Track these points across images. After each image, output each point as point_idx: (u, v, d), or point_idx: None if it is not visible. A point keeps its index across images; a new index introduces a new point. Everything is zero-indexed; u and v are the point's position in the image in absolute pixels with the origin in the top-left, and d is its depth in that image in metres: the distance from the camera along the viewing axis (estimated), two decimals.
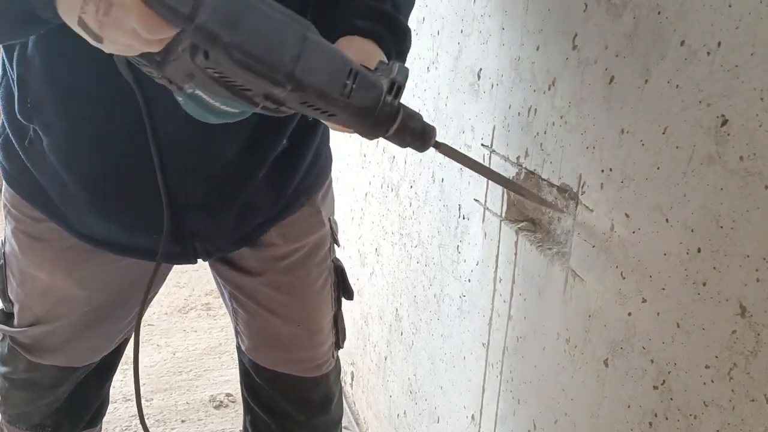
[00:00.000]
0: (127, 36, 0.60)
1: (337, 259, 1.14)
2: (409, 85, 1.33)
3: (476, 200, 1.08)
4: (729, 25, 0.57)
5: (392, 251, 1.54)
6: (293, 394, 1.12)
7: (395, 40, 0.83)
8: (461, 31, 1.10)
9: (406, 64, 0.79)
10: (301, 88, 0.65)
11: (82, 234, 0.94)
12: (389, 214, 1.54)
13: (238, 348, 1.15)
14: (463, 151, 1.11)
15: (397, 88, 0.70)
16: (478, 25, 1.04)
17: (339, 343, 1.16)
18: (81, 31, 0.62)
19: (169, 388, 2.08)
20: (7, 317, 1.04)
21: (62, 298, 1.00)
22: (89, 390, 1.12)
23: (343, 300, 1.17)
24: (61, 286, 0.98)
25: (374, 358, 1.74)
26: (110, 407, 1.96)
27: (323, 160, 1.07)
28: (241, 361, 1.15)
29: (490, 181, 1.03)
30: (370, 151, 1.66)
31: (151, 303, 2.55)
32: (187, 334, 2.37)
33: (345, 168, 1.87)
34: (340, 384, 1.21)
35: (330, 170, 1.11)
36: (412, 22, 1.31)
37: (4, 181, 0.98)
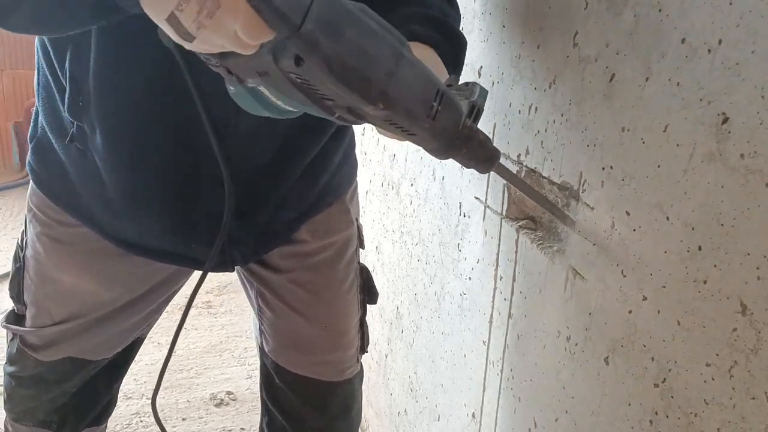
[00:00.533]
0: (225, 38, 0.58)
1: (362, 262, 1.13)
2: None
3: (477, 198, 1.08)
4: (730, 23, 0.57)
5: (393, 249, 1.54)
6: (314, 398, 1.09)
7: (452, 50, 0.81)
8: (462, 29, 1.10)
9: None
10: (390, 107, 0.62)
11: (116, 238, 0.95)
12: (390, 212, 1.54)
13: (261, 349, 1.13)
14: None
15: (477, 111, 0.69)
16: (479, 23, 1.04)
17: (364, 347, 1.14)
18: (167, 26, 0.59)
19: (170, 386, 2.08)
20: (18, 318, 1.04)
21: (84, 300, 1.00)
22: (98, 387, 1.11)
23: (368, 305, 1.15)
24: (85, 288, 0.98)
25: (375, 356, 1.74)
26: None
27: (351, 161, 1.08)
28: (263, 362, 1.13)
29: (490, 180, 1.03)
30: (371, 149, 1.66)
31: None
32: (188, 332, 2.37)
33: None
34: (361, 390, 1.18)
35: (356, 173, 1.11)
36: None
37: (31, 184, 0.98)
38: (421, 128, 0.65)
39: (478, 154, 0.70)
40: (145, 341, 2.29)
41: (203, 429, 1.94)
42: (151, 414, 1.95)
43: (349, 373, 1.11)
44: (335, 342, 1.08)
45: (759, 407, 0.57)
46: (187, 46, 0.61)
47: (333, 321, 1.07)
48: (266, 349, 1.11)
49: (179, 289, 1.11)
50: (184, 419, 1.97)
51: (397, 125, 0.65)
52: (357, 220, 1.11)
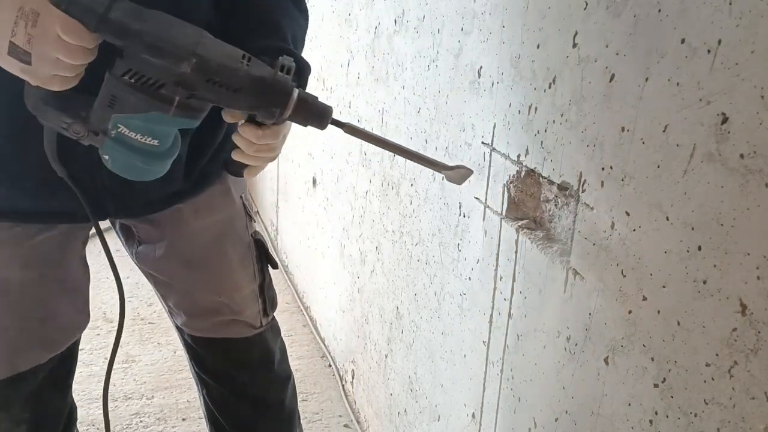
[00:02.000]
0: (53, 46, 0.70)
1: (257, 233, 1.18)
2: (410, 83, 1.33)
3: (477, 198, 1.08)
4: (729, 23, 0.57)
5: (393, 249, 1.54)
6: (232, 355, 1.18)
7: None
8: (462, 29, 1.10)
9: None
10: (203, 61, 0.75)
11: None
12: (390, 213, 1.54)
13: (176, 327, 1.20)
14: (464, 149, 1.11)
15: (287, 69, 0.80)
16: (479, 23, 1.04)
17: (267, 310, 1.20)
18: (11, 60, 0.71)
19: (169, 386, 2.08)
20: None
21: None
22: (53, 400, 1.08)
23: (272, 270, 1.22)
24: None
25: (375, 356, 1.74)
26: (111, 405, 1.97)
27: (231, 144, 1.10)
28: (182, 339, 1.20)
29: (490, 180, 1.04)
30: (371, 149, 1.66)
31: (151, 303, 2.53)
32: None
33: (346, 166, 1.87)
34: (282, 343, 1.26)
35: None
36: (413, 21, 1.31)
37: None
38: (238, 78, 0.77)
39: (309, 109, 0.81)
40: (145, 341, 2.29)
41: (203, 429, 1.94)
42: (151, 414, 1.96)
43: (258, 328, 1.19)
44: (233, 307, 1.15)
45: (759, 407, 0.57)
46: (30, 71, 0.72)
47: (226, 292, 1.13)
48: (179, 324, 1.18)
49: (80, 273, 1.07)
50: (183, 419, 1.97)
51: (219, 83, 0.76)
52: (242, 197, 1.15)
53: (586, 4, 0.77)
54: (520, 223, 0.95)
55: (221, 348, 1.17)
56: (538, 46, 0.88)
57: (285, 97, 0.79)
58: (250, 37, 0.91)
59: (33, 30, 0.70)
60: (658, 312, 0.68)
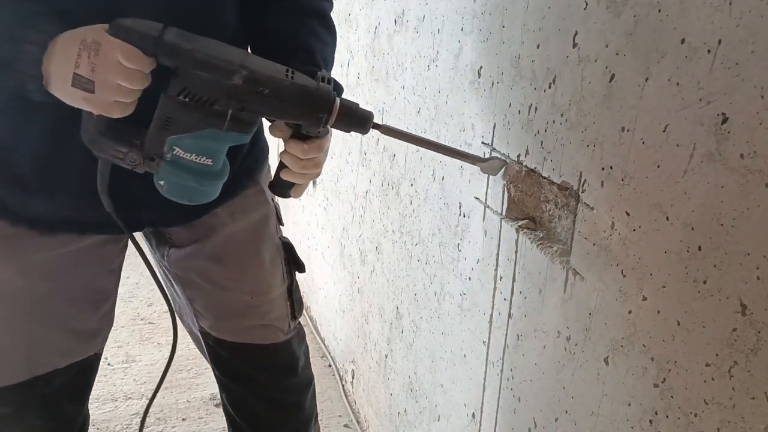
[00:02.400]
0: (114, 72, 0.75)
1: (285, 237, 1.19)
2: (410, 83, 1.33)
3: (477, 198, 1.08)
4: (729, 23, 0.57)
5: (393, 249, 1.54)
6: (257, 360, 1.17)
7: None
8: (462, 29, 1.10)
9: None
10: (252, 73, 0.79)
11: (26, 218, 0.92)
12: (390, 213, 1.54)
13: (201, 331, 1.18)
14: (464, 148, 1.11)
15: (327, 80, 0.85)
16: (479, 23, 1.04)
17: (295, 313, 1.20)
18: (75, 91, 0.76)
19: (169, 386, 2.08)
20: None
21: (2, 298, 0.95)
22: (66, 410, 1.07)
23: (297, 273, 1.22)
24: (3, 280, 0.94)
25: (375, 356, 1.74)
26: (111, 405, 1.98)
27: (261, 143, 1.13)
28: (207, 343, 1.19)
29: (490, 179, 1.03)
30: (371, 149, 1.66)
31: (151, 303, 2.53)
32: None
33: (346, 166, 1.87)
34: (306, 348, 1.26)
35: (267, 155, 1.17)
36: (413, 21, 1.31)
37: None
38: (285, 88, 0.81)
39: (351, 116, 0.86)
40: (145, 341, 2.29)
41: (203, 429, 1.94)
42: (151, 414, 1.95)
43: (284, 335, 1.18)
44: (263, 309, 1.14)
45: (759, 407, 0.57)
46: (92, 99, 0.76)
47: (258, 292, 1.13)
48: (206, 328, 1.16)
49: (108, 284, 1.07)
50: (184, 419, 1.97)
51: (267, 93, 0.81)
52: (273, 199, 1.16)
53: (586, 4, 0.77)
54: (520, 223, 0.95)
55: (247, 353, 1.16)
56: (538, 46, 0.88)
57: (329, 103, 0.84)
58: (281, 59, 0.94)
59: (96, 59, 0.75)
60: (658, 312, 0.68)
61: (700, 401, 0.64)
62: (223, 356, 1.18)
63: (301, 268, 1.21)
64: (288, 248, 1.18)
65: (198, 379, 2.13)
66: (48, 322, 0.99)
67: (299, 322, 1.23)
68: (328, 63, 1.01)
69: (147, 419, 1.94)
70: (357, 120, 0.87)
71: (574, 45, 0.80)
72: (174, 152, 0.83)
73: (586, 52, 0.78)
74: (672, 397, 0.67)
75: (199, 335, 1.19)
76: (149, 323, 2.37)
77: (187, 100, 0.80)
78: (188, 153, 0.83)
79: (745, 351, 0.58)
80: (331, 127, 0.86)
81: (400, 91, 1.40)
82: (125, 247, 1.07)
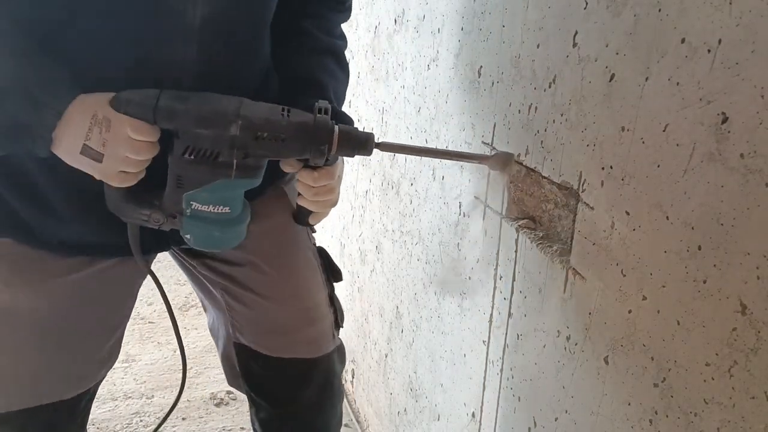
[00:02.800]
0: (124, 146, 0.80)
1: (319, 245, 1.17)
2: (410, 82, 1.33)
3: (477, 198, 1.08)
4: (730, 23, 0.57)
5: (393, 249, 1.54)
6: (295, 377, 1.13)
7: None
8: (462, 29, 1.10)
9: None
10: (248, 120, 0.82)
11: (49, 243, 0.92)
12: (390, 212, 1.54)
13: (236, 343, 1.14)
14: (464, 148, 1.11)
15: (324, 110, 0.87)
16: (479, 23, 1.04)
17: (338, 321, 1.17)
18: (82, 158, 0.80)
19: (170, 385, 2.08)
20: None
21: (20, 322, 0.94)
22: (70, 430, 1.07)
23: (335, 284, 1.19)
24: (23, 304, 0.93)
25: (375, 356, 1.74)
26: (111, 405, 1.98)
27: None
28: (240, 356, 1.15)
29: (490, 179, 1.03)
30: None
31: (151, 302, 2.55)
32: (188, 332, 2.37)
33: (346, 166, 1.87)
34: (344, 361, 1.22)
35: None
36: (413, 20, 1.31)
37: None
38: (282, 128, 0.83)
39: (352, 142, 0.88)
40: (145, 341, 2.29)
41: (203, 428, 1.94)
42: (151, 413, 1.96)
43: (325, 348, 1.14)
44: (308, 319, 1.11)
45: (759, 407, 0.57)
46: (99, 168, 0.81)
47: (301, 296, 1.11)
48: (244, 342, 1.13)
49: (125, 307, 1.07)
50: (184, 419, 1.97)
51: (266, 137, 0.83)
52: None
53: (586, 3, 0.77)
54: (520, 222, 0.95)
55: (284, 368, 1.12)
56: (538, 46, 0.88)
57: (328, 134, 0.86)
58: (295, 95, 0.98)
59: (107, 134, 0.79)
60: (658, 311, 0.68)
61: (700, 401, 0.64)
62: (258, 372, 1.14)
63: (338, 276, 1.19)
64: (323, 255, 1.17)
65: (198, 379, 2.13)
66: (61, 349, 0.98)
67: (341, 340, 1.20)
68: (340, 99, 1.05)
69: (147, 419, 1.94)
70: (358, 144, 0.88)
71: (575, 44, 0.80)
72: (192, 207, 0.87)
73: (586, 52, 0.78)
74: (672, 396, 0.67)
75: (233, 352, 1.16)
76: (149, 323, 2.38)
77: (192, 157, 0.83)
78: (206, 205, 0.87)
79: (745, 350, 0.58)
80: (336, 154, 0.88)
81: (400, 90, 1.40)
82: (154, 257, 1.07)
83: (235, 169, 0.84)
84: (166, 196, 0.87)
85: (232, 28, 0.89)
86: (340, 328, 1.19)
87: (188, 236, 0.89)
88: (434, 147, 0.96)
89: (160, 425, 1.11)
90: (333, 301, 1.16)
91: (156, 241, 0.99)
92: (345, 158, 1.01)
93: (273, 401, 1.15)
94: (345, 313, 1.20)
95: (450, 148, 1.04)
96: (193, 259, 1.10)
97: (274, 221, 1.08)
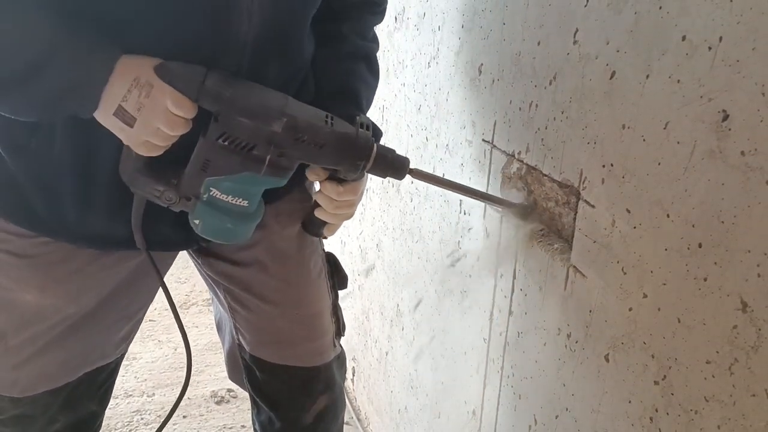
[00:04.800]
0: (159, 117, 0.77)
1: (328, 251, 1.16)
2: (410, 80, 1.33)
3: None
4: (730, 20, 0.57)
5: (393, 247, 1.54)
6: (295, 384, 1.12)
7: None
8: (462, 27, 1.10)
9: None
10: (292, 119, 0.80)
11: (76, 236, 0.92)
12: (390, 210, 1.54)
13: (239, 346, 1.14)
14: (464, 146, 1.11)
15: (366, 125, 0.87)
16: (479, 21, 1.04)
17: (340, 331, 1.17)
18: (114, 120, 0.77)
19: (170, 383, 2.08)
20: None
21: (46, 319, 0.96)
22: (90, 407, 1.08)
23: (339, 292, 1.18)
24: (49, 302, 0.94)
25: (375, 354, 1.74)
26: (111, 403, 1.97)
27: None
28: (242, 357, 1.15)
29: (490, 177, 1.03)
30: None
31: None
32: (189, 330, 2.36)
33: None
34: (345, 370, 1.21)
35: None
36: (413, 18, 1.30)
37: None
38: (324, 135, 0.82)
39: (388, 163, 0.87)
40: (146, 339, 2.29)
41: (204, 426, 1.95)
42: (152, 412, 1.96)
43: (327, 356, 1.13)
44: (311, 329, 1.10)
45: (759, 404, 0.57)
46: (127, 133, 0.78)
47: (305, 306, 1.09)
48: (245, 345, 1.13)
49: (148, 297, 1.08)
50: (185, 417, 1.97)
51: (306, 141, 0.82)
52: None
53: (587, 1, 0.77)
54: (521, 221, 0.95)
55: (285, 375, 1.11)
56: (538, 43, 0.88)
57: (368, 150, 0.85)
58: (327, 104, 0.95)
59: (145, 100, 0.76)
60: (659, 309, 0.68)
61: (701, 398, 0.64)
62: (259, 376, 1.13)
63: (344, 284, 1.18)
64: (332, 261, 1.15)
65: (199, 377, 2.13)
66: (87, 337, 1.00)
67: (342, 348, 1.19)
68: (369, 105, 1.04)
69: (148, 417, 1.94)
70: (393, 167, 0.88)
71: (575, 42, 0.80)
72: (211, 193, 0.84)
73: (586, 50, 0.77)
74: (672, 394, 0.67)
75: (236, 350, 1.16)
76: (150, 321, 2.38)
77: (226, 144, 0.80)
78: (225, 194, 0.84)
79: (745, 348, 0.58)
80: (367, 172, 0.87)
81: (400, 88, 1.40)
82: (175, 256, 1.07)
83: (267, 165, 0.82)
84: (185, 177, 0.84)
85: (284, 31, 0.88)
86: (342, 336, 1.18)
87: (197, 221, 0.87)
88: (465, 185, 0.95)
89: (163, 424, 1.10)
90: (336, 310, 1.15)
91: (178, 238, 0.98)
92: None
93: (274, 406, 1.14)
94: (345, 312, 1.19)
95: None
96: (198, 256, 1.10)
97: (296, 225, 1.07)
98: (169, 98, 0.77)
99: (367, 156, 0.85)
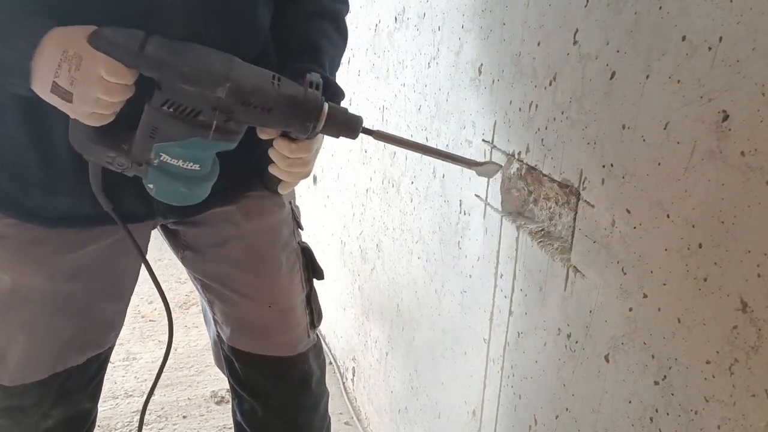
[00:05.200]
0: (95, 87, 0.75)
1: (303, 242, 1.17)
2: (411, 80, 1.33)
3: (477, 196, 1.08)
4: (730, 20, 0.57)
5: (393, 247, 1.54)
6: (273, 374, 1.15)
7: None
8: (462, 27, 1.10)
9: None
10: (237, 84, 0.78)
11: (43, 216, 0.92)
12: (390, 210, 1.54)
13: (218, 337, 1.17)
14: (464, 146, 1.11)
15: (315, 85, 0.84)
16: (479, 21, 1.04)
17: (314, 322, 1.18)
18: (53, 97, 0.76)
19: (170, 383, 2.08)
20: None
21: (25, 300, 0.96)
22: (82, 401, 1.08)
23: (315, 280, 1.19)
24: (27, 283, 0.95)
25: (375, 354, 1.74)
26: (112, 403, 1.98)
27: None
28: (222, 349, 1.18)
29: (489, 178, 1.03)
30: (371, 147, 1.66)
31: (152, 300, 2.54)
32: (189, 330, 2.37)
33: (346, 164, 1.87)
34: (323, 361, 1.23)
35: None
36: (413, 18, 1.30)
37: None
38: (272, 99, 0.80)
39: (339, 123, 0.85)
40: (146, 339, 2.29)
41: (204, 426, 1.95)
42: (152, 412, 1.96)
43: (302, 347, 1.15)
44: (282, 322, 1.12)
45: (759, 404, 0.57)
46: (70, 107, 0.77)
47: (277, 300, 1.10)
48: (223, 337, 1.15)
49: (130, 279, 1.08)
50: (184, 417, 1.97)
51: (254, 105, 0.80)
52: (291, 202, 1.14)
53: (587, 1, 0.77)
54: (521, 220, 0.95)
55: (261, 364, 1.14)
56: (538, 44, 0.88)
57: (317, 111, 0.83)
58: (289, 59, 0.94)
59: (76, 73, 0.74)
60: (659, 309, 0.68)
61: (701, 399, 0.64)
62: (238, 366, 1.16)
63: (320, 275, 1.18)
64: (306, 253, 1.16)
65: (199, 377, 2.13)
66: (69, 318, 1.00)
67: (317, 335, 1.20)
68: (335, 66, 1.01)
69: (148, 417, 1.94)
70: (346, 126, 0.85)
71: (575, 42, 0.80)
72: (161, 158, 0.83)
73: (586, 50, 0.77)
74: (672, 394, 0.67)
75: (217, 340, 1.18)
76: (150, 321, 2.38)
77: (171, 110, 0.79)
78: (175, 159, 0.83)
79: (745, 348, 0.58)
80: (320, 133, 0.85)
81: (400, 88, 1.40)
82: (148, 237, 1.06)
83: (214, 130, 0.81)
84: (135, 143, 0.82)
85: (223, 2, 0.86)
86: (316, 327, 1.20)
87: (151, 186, 0.85)
88: (428, 144, 0.93)
89: (149, 396, 1.10)
90: (310, 301, 1.17)
91: (140, 211, 0.97)
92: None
93: (254, 395, 1.17)
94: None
95: (441, 148, 1.01)
96: (177, 251, 1.11)
97: (267, 220, 1.08)
98: (102, 67, 0.74)
99: (317, 117, 0.83)
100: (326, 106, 0.83)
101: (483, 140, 1.05)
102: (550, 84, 0.85)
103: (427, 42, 1.24)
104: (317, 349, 1.20)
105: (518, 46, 0.93)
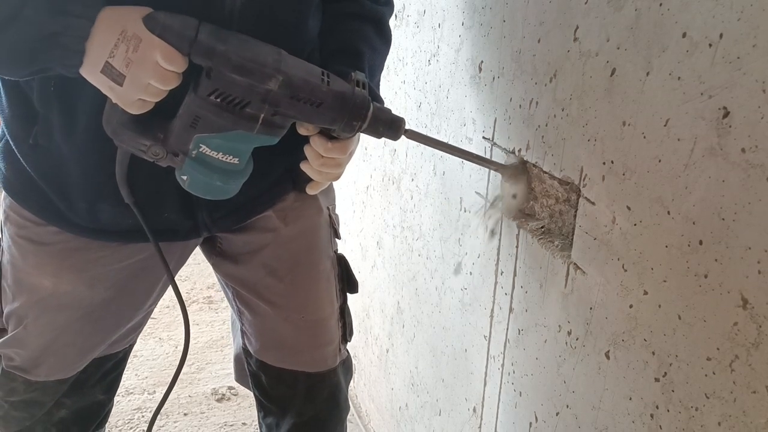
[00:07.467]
0: (150, 72, 0.73)
1: (340, 253, 1.14)
2: (411, 78, 1.33)
3: (478, 193, 1.08)
4: (731, 17, 0.57)
5: (394, 244, 1.54)
6: (301, 389, 1.11)
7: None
8: (462, 24, 1.10)
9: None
10: (288, 77, 0.77)
11: (87, 228, 0.92)
12: (390, 207, 1.54)
13: (245, 349, 1.14)
14: (465, 143, 1.11)
15: (362, 84, 0.84)
16: (479, 18, 1.04)
17: (346, 336, 1.15)
18: (102, 78, 0.73)
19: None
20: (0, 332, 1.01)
21: (63, 304, 0.97)
22: (98, 396, 1.10)
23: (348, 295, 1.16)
24: (66, 289, 0.96)
25: (376, 351, 1.74)
26: None
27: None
28: (248, 363, 1.15)
29: (490, 175, 1.03)
30: (371, 144, 1.66)
31: None
32: (190, 328, 2.38)
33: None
34: (351, 375, 1.20)
35: None
36: (413, 15, 1.30)
37: (2, 188, 0.95)
38: (321, 93, 0.79)
39: (384, 123, 0.84)
40: (147, 336, 2.29)
41: (205, 424, 1.95)
42: (153, 410, 1.96)
43: (332, 362, 1.12)
44: (316, 336, 1.09)
45: (760, 401, 0.57)
46: (118, 91, 0.74)
47: (311, 311, 1.07)
48: (251, 350, 1.12)
49: (159, 291, 1.08)
50: (185, 414, 1.97)
51: (303, 99, 0.79)
52: (330, 209, 1.11)
53: None
54: (521, 218, 0.95)
55: (290, 379, 1.11)
56: (538, 41, 0.88)
57: (364, 110, 0.82)
58: (330, 61, 0.93)
59: (133, 55, 0.72)
60: (659, 306, 0.68)
61: (701, 395, 0.64)
62: (265, 380, 1.13)
63: (354, 288, 1.15)
64: (342, 263, 1.13)
65: (200, 375, 2.14)
66: (101, 324, 1.02)
67: (348, 353, 1.18)
68: (376, 70, 0.99)
69: (149, 414, 1.94)
70: (389, 127, 0.85)
71: (575, 39, 0.79)
72: (200, 149, 0.81)
73: (587, 47, 0.77)
74: (673, 391, 0.68)
75: (241, 352, 1.16)
76: (151, 318, 2.38)
77: (218, 101, 0.77)
78: (215, 151, 0.81)
79: (746, 345, 0.58)
80: (362, 132, 0.85)
81: (400, 85, 1.40)
82: (191, 250, 1.06)
83: (260, 123, 0.79)
84: (173, 132, 0.80)
85: (273, 11, 0.84)
86: (348, 342, 1.17)
87: (184, 177, 0.83)
88: (457, 146, 0.93)
89: (157, 413, 1.10)
90: (344, 314, 1.14)
91: (182, 226, 0.96)
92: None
93: (279, 409, 1.14)
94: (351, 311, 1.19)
95: (469, 150, 1.00)
96: (209, 256, 1.09)
97: (304, 225, 1.05)
98: (159, 52, 0.72)
99: (363, 116, 0.82)
100: (372, 105, 0.83)
101: (483, 137, 1.05)
102: (551, 81, 0.85)
103: (427, 39, 1.24)
104: (347, 365, 1.17)
105: (518, 43, 0.93)
